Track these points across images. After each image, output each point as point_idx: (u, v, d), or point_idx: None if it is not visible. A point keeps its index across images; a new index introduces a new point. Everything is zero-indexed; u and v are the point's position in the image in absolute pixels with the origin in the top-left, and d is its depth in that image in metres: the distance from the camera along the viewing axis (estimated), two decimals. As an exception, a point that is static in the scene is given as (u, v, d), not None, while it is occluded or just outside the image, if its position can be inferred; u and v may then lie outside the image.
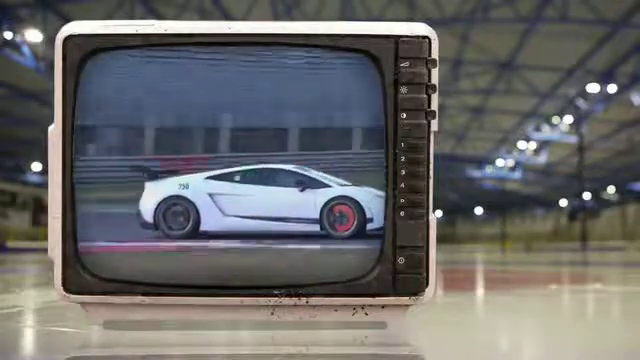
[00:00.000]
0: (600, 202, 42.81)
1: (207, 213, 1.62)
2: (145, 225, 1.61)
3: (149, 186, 1.61)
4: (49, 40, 17.96)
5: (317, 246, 1.59)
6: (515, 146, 35.00)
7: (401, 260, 1.56)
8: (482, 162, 39.09)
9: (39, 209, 29.70)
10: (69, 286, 1.58)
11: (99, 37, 1.58)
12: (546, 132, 31.30)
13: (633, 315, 2.68)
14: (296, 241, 1.59)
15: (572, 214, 42.86)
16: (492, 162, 38.62)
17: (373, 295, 1.58)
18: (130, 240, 1.60)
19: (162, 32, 1.59)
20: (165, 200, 1.61)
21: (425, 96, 1.57)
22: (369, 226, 1.61)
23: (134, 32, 1.59)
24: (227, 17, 19.44)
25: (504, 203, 43.04)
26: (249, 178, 1.62)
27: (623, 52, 21.79)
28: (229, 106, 1.61)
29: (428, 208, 1.58)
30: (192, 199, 1.62)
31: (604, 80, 24.27)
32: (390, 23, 1.61)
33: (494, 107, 28.60)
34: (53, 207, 1.59)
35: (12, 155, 31.60)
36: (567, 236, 38.06)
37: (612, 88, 24.32)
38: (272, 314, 1.62)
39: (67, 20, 2.66)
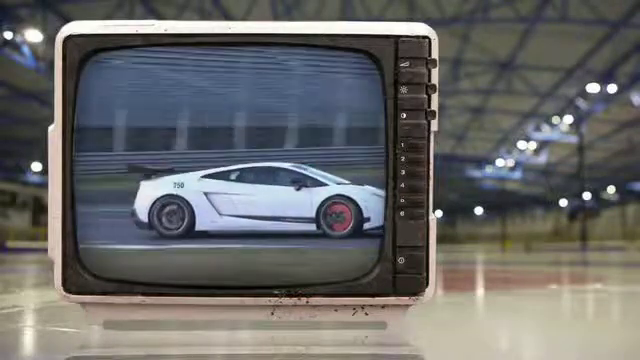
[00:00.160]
0: (600, 202, 42.80)
1: (202, 212, 1.62)
2: (140, 224, 1.60)
3: (144, 185, 1.60)
4: (49, 40, 17.97)
5: (315, 246, 1.59)
6: (515, 146, 35.00)
7: (401, 260, 1.56)
8: (482, 162, 39.09)
9: (39, 209, 29.71)
10: (69, 286, 1.58)
11: (99, 37, 1.58)
12: (546, 132, 31.31)
13: (633, 315, 2.68)
14: (292, 241, 1.58)
15: (572, 214, 42.85)
16: (492, 162, 38.62)
17: (373, 295, 1.58)
18: (126, 240, 1.59)
19: (162, 32, 1.59)
20: (160, 199, 1.61)
21: (425, 96, 1.57)
22: (366, 225, 1.60)
23: (134, 32, 1.59)
24: (227, 17, 19.45)
25: (504, 203, 43.03)
26: (245, 177, 1.61)
27: (623, 52, 21.79)
28: (229, 106, 1.61)
29: (428, 208, 1.58)
30: (187, 198, 1.62)
31: (604, 80, 24.27)
32: (390, 23, 1.61)
33: (494, 107, 28.60)
34: (53, 207, 1.59)
35: (12, 155, 31.60)
36: (567, 236, 38.03)
37: (612, 88, 24.32)
38: (272, 314, 1.62)
39: (67, 20, 2.66)
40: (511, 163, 37.86)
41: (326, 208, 1.61)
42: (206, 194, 1.62)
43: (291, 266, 1.57)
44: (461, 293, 3.77)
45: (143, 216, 1.60)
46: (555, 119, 29.72)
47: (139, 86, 1.60)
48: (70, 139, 1.57)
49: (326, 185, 1.61)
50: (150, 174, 1.60)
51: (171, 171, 1.61)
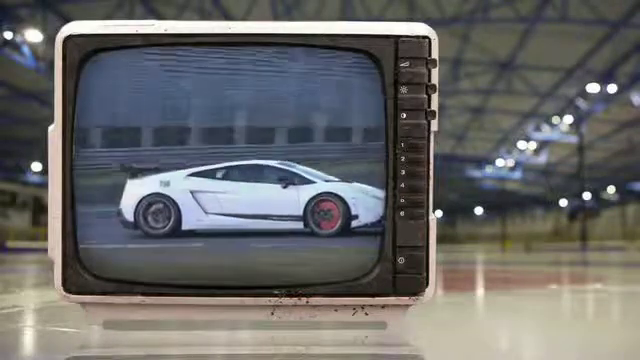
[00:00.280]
0: (600, 202, 42.81)
1: (188, 211, 1.60)
2: (125, 224, 1.58)
3: (130, 183, 1.59)
4: (49, 40, 17.97)
5: (303, 244, 1.57)
6: (515, 146, 35.00)
7: (401, 260, 1.56)
8: (482, 162, 39.09)
9: (39, 209, 29.71)
10: (69, 286, 1.58)
11: (99, 37, 1.58)
12: (546, 132, 31.31)
13: (633, 315, 2.68)
14: (280, 239, 1.56)
15: (572, 214, 42.86)
16: (492, 162, 38.62)
17: (373, 295, 1.58)
18: (115, 240, 1.58)
19: (162, 32, 1.59)
20: (146, 198, 1.59)
21: (425, 96, 1.57)
22: (354, 223, 1.58)
23: (134, 32, 1.59)
24: (227, 17, 19.45)
25: (504, 203, 43.04)
26: (231, 175, 1.60)
27: (623, 52, 21.80)
28: (229, 106, 1.60)
29: (428, 208, 1.58)
30: (173, 197, 1.60)
31: (604, 80, 24.28)
32: (390, 23, 1.61)
33: (494, 107, 28.60)
34: (53, 207, 1.58)
35: (12, 155, 31.60)
36: (567, 236, 38.04)
37: (612, 88, 24.33)
38: (272, 314, 1.62)
39: (67, 20, 2.66)
40: (511, 163, 37.87)
41: (314, 206, 1.59)
42: (192, 192, 1.60)
43: (290, 266, 1.57)
44: (461, 293, 3.77)
45: (129, 215, 1.59)
46: (555, 119, 29.73)
47: (139, 86, 1.59)
48: (70, 139, 1.57)
49: (314, 182, 1.59)
50: (136, 172, 1.58)
51: (157, 170, 1.59)
